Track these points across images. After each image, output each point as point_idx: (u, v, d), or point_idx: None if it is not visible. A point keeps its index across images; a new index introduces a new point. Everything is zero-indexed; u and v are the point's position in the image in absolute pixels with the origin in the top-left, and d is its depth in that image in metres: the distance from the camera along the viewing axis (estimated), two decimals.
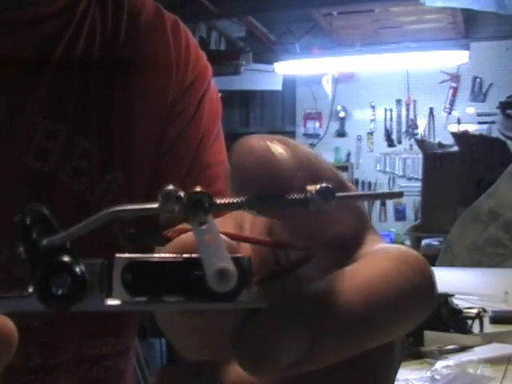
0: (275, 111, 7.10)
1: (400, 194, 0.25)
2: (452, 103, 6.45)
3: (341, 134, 6.86)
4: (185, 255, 0.24)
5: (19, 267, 0.62)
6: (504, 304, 2.06)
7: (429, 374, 1.41)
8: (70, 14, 0.68)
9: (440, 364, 1.45)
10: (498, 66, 6.14)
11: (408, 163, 6.64)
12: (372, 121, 6.77)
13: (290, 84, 6.58)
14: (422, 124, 6.60)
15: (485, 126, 6.20)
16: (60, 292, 0.23)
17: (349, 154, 6.84)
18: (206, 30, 5.57)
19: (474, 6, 4.54)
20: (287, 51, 6.04)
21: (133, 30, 0.70)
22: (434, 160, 4.56)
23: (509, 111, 5.81)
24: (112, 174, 0.66)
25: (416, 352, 1.54)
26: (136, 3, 0.72)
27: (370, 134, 6.80)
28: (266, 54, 6.07)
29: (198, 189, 0.23)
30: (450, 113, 6.47)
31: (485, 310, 1.86)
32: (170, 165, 0.70)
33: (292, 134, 7.01)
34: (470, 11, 5.07)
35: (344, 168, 6.82)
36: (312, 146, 6.89)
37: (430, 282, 0.25)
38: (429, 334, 1.61)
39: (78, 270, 0.23)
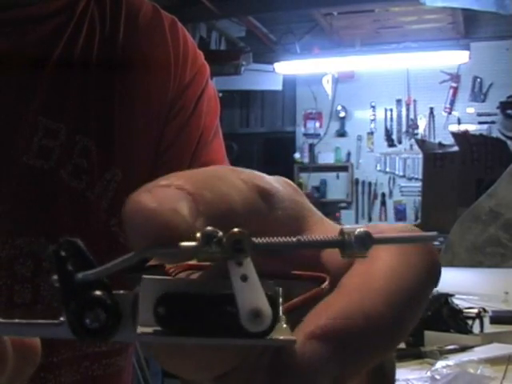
0: (275, 111, 7.11)
1: (434, 238, 0.25)
2: (452, 103, 6.45)
3: (341, 133, 6.86)
4: (220, 291, 0.24)
5: (21, 265, 0.62)
6: (504, 304, 2.06)
7: (429, 374, 1.41)
8: (69, 13, 0.68)
9: (440, 364, 1.45)
10: (497, 66, 6.14)
11: (408, 163, 6.65)
12: (372, 121, 6.77)
13: (290, 84, 6.59)
14: (422, 124, 6.60)
15: (485, 126, 6.20)
16: (94, 326, 0.23)
17: (349, 154, 6.84)
18: (206, 30, 5.57)
19: (473, 5, 4.54)
20: (287, 51, 6.05)
21: (131, 29, 0.71)
22: (434, 160, 4.56)
23: (509, 111, 5.82)
24: (112, 171, 0.67)
25: (416, 352, 1.54)
26: (134, 3, 0.73)
27: (370, 133, 6.81)
28: (266, 53, 6.08)
29: (237, 229, 0.23)
30: (450, 113, 6.47)
31: (485, 310, 1.87)
32: (170, 162, 0.70)
33: (292, 134, 7.02)
34: (470, 11, 5.07)
35: (344, 168, 6.83)
36: (312, 145, 6.90)
37: (433, 258, 0.26)
38: (429, 334, 1.61)
39: (112, 305, 0.23)
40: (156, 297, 0.24)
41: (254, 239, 0.23)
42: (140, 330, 0.23)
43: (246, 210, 0.25)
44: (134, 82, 0.69)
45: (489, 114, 6.21)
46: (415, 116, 6.63)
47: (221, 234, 0.23)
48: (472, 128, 6.19)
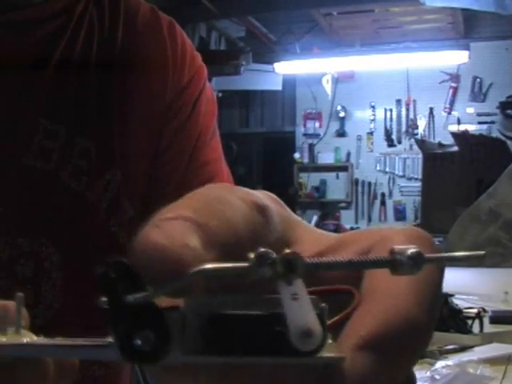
0: (275, 111, 7.11)
1: (482, 256, 0.25)
2: (452, 103, 6.45)
3: (341, 133, 6.87)
4: (267, 311, 0.24)
5: (21, 265, 0.62)
6: (504, 304, 2.06)
7: (429, 373, 1.41)
8: (68, 15, 0.68)
9: (440, 364, 1.45)
10: (498, 66, 6.14)
11: (408, 163, 6.65)
12: (372, 121, 6.77)
13: (290, 84, 6.59)
14: (421, 124, 6.60)
15: (485, 126, 6.20)
16: (144, 348, 0.23)
17: (349, 154, 6.84)
18: (206, 30, 5.57)
19: (473, 6, 4.55)
20: (287, 51, 6.05)
21: (130, 30, 0.71)
22: (434, 160, 4.57)
23: (509, 111, 5.82)
24: (111, 172, 0.67)
25: None
26: (131, 4, 0.73)
27: (370, 134, 6.81)
28: (266, 53, 6.08)
29: (289, 250, 0.23)
30: (449, 113, 6.47)
31: (485, 310, 1.87)
32: (168, 163, 0.71)
33: (292, 134, 7.02)
34: (469, 11, 5.07)
35: (344, 168, 6.83)
36: (312, 145, 6.90)
37: (438, 252, 0.26)
38: None
39: (162, 327, 0.23)
40: (202, 318, 0.24)
41: (305, 260, 0.23)
42: (187, 351, 0.24)
43: (249, 229, 0.26)
44: (133, 83, 0.70)
45: (488, 114, 6.22)
46: (415, 116, 6.63)
47: (274, 255, 0.23)
48: (472, 128, 6.19)
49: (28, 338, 0.25)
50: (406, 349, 0.24)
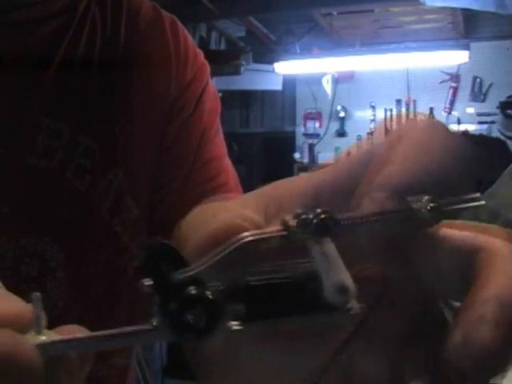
0: (275, 111, 7.10)
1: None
2: (452, 103, 6.45)
3: (341, 133, 6.86)
4: (298, 271, 0.25)
5: (26, 264, 0.62)
6: None
7: None
8: (71, 13, 0.68)
9: None
10: (498, 66, 6.14)
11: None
12: (372, 121, 6.77)
13: (290, 84, 6.58)
14: None
15: (485, 126, 6.20)
16: (197, 325, 0.23)
17: (349, 154, 6.83)
18: (206, 30, 5.57)
19: (473, 5, 4.54)
20: (287, 51, 6.05)
21: (132, 28, 0.71)
22: None
23: (509, 111, 5.81)
24: (114, 171, 0.67)
25: None
26: (134, 2, 0.73)
27: (370, 134, 6.80)
28: (266, 54, 6.07)
29: (321, 210, 0.24)
30: (449, 113, 6.47)
31: None
32: (173, 161, 0.71)
33: (292, 134, 7.01)
34: (469, 11, 5.06)
35: None
36: (312, 145, 6.89)
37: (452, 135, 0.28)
38: None
39: (212, 302, 0.23)
40: (241, 287, 0.24)
41: (338, 219, 0.24)
42: (232, 324, 0.24)
43: None
44: (136, 82, 0.70)
45: (488, 114, 6.21)
46: (415, 116, 6.62)
47: (311, 216, 0.24)
48: (472, 128, 6.18)
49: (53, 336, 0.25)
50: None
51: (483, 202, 0.26)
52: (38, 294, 0.26)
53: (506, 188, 3.12)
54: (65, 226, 0.64)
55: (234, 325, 0.24)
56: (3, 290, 0.29)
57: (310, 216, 0.24)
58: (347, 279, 0.23)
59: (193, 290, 0.23)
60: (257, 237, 0.24)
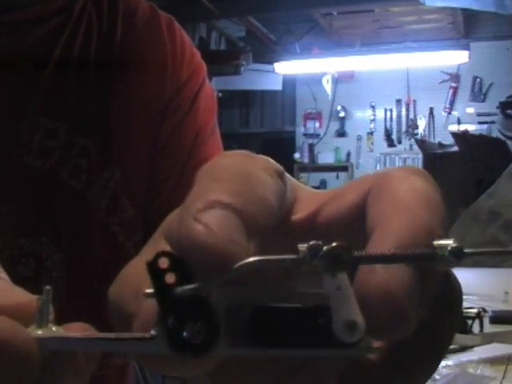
0: (275, 111, 7.10)
1: None
2: (452, 103, 6.45)
3: (341, 133, 6.86)
4: (310, 303, 0.24)
5: (23, 264, 0.62)
6: (504, 304, 2.06)
7: None
8: (67, 13, 0.68)
9: (440, 364, 1.45)
10: (497, 66, 6.14)
11: (408, 163, 6.64)
12: (372, 121, 6.77)
13: (290, 84, 6.59)
14: (422, 124, 6.60)
15: (485, 126, 6.20)
16: (194, 341, 0.23)
17: (349, 154, 6.84)
18: (206, 30, 5.57)
19: (473, 5, 4.54)
20: (287, 51, 6.05)
21: (128, 28, 0.71)
22: (434, 160, 4.56)
23: (509, 111, 5.81)
24: (110, 171, 0.67)
25: None
26: (130, 2, 0.73)
27: (370, 133, 6.81)
28: (266, 54, 6.08)
29: (337, 243, 0.23)
30: (449, 113, 6.47)
31: (485, 310, 1.86)
32: (167, 160, 0.71)
33: (292, 134, 7.01)
34: (469, 11, 5.07)
35: (344, 168, 6.82)
36: (312, 145, 6.90)
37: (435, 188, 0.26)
38: None
39: (212, 320, 0.23)
40: (246, 310, 0.24)
41: (352, 253, 0.23)
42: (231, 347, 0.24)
43: (279, 202, 0.26)
44: (132, 81, 0.70)
45: (488, 114, 6.21)
46: (415, 116, 6.62)
47: (324, 247, 0.23)
48: (472, 128, 6.19)
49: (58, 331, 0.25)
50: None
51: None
52: (49, 287, 0.26)
53: (506, 188, 3.12)
54: (61, 225, 0.64)
55: (233, 346, 0.24)
56: (8, 282, 0.28)
57: (322, 246, 0.23)
58: (358, 316, 0.23)
59: (194, 306, 0.23)
60: (264, 258, 0.23)
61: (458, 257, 0.24)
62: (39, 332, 0.25)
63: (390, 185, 0.25)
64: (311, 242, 0.23)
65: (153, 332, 0.23)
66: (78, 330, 0.25)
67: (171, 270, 0.23)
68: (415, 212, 0.24)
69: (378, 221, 0.25)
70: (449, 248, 0.24)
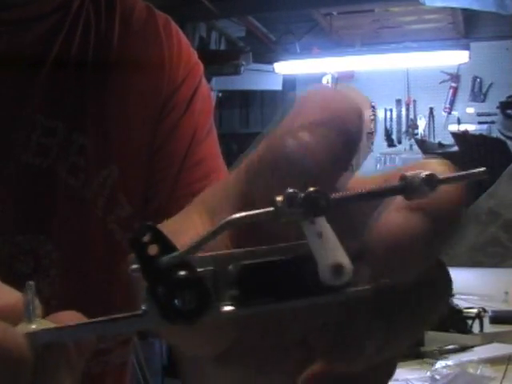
0: (275, 111, 7.10)
1: (484, 173, 0.25)
2: (452, 103, 6.44)
3: None
4: (296, 252, 0.24)
5: (21, 262, 0.62)
6: (504, 304, 2.06)
7: (429, 373, 1.41)
8: (64, 12, 0.68)
9: (440, 364, 1.45)
10: (497, 65, 6.13)
11: (408, 163, 6.64)
12: (372, 121, 6.76)
13: (290, 84, 6.58)
14: (422, 124, 6.60)
15: (485, 126, 6.19)
16: (187, 308, 0.23)
17: None
18: (206, 29, 5.57)
19: (473, 5, 4.54)
20: (287, 51, 6.04)
21: (126, 27, 0.71)
22: None
23: (509, 111, 5.81)
24: (108, 169, 0.67)
25: (416, 352, 1.54)
26: (128, 3, 0.73)
27: (370, 133, 6.80)
28: (266, 54, 6.07)
29: (314, 188, 0.23)
30: (450, 113, 6.46)
31: (485, 310, 1.87)
32: (163, 160, 0.71)
33: None
34: (469, 11, 5.06)
35: None
36: None
37: None
38: (429, 334, 1.61)
39: (202, 284, 0.23)
40: (233, 270, 0.24)
41: (329, 196, 0.23)
42: (225, 309, 0.23)
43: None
44: (129, 80, 0.70)
45: (489, 114, 6.21)
46: (415, 116, 6.62)
47: (301, 194, 0.23)
48: (472, 128, 6.18)
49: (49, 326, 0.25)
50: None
51: (483, 170, 0.25)
52: (32, 282, 0.26)
53: (506, 188, 3.12)
54: (59, 223, 0.64)
55: (226, 308, 0.23)
56: None
57: (299, 193, 0.23)
58: (344, 258, 0.23)
59: (181, 274, 0.23)
60: (244, 215, 0.23)
61: (431, 185, 0.24)
62: (32, 326, 0.24)
63: None
64: (287, 191, 0.23)
65: (143, 307, 0.23)
66: (68, 318, 0.25)
67: (153, 242, 0.23)
68: None
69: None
70: (421, 177, 0.24)
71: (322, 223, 0.23)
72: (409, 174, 0.24)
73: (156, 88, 0.71)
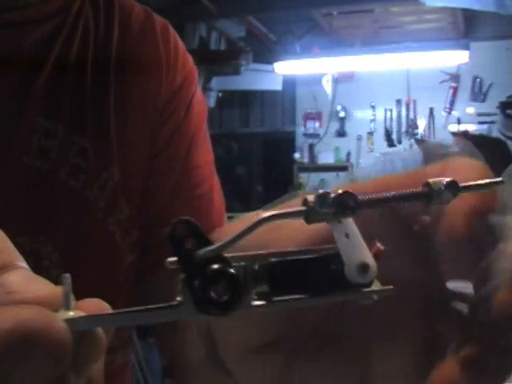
0: (275, 111, 7.10)
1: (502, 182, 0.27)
2: (452, 103, 6.45)
3: (341, 133, 6.86)
4: (324, 252, 0.26)
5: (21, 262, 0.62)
6: None
7: None
8: (64, 14, 0.69)
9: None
10: (498, 66, 6.14)
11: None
12: (372, 121, 6.77)
13: (290, 84, 6.58)
14: (421, 124, 6.60)
15: (485, 126, 6.20)
16: (221, 299, 0.24)
17: (349, 154, 6.84)
18: (206, 30, 5.57)
19: (474, 5, 4.54)
20: (287, 51, 6.04)
21: (124, 31, 0.72)
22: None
23: (509, 111, 5.81)
24: (108, 171, 0.67)
25: None
26: (125, 6, 0.74)
27: (370, 133, 6.81)
28: (266, 54, 6.07)
29: (343, 190, 0.24)
30: (449, 113, 6.47)
31: None
32: (164, 164, 0.71)
33: (292, 134, 7.01)
34: (470, 11, 5.07)
35: (344, 168, 6.82)
36: (312, 145, 6.90)
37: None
38: None
39: (236, 277, 0.24)
40: (264, 266, 0.25)
41: (358, 198, 0.25)
42: (256, 303, 0.25)
43: None
44: (128, 83, 0.70)
45: (489, 114, 6.21)
46: (415, 116, 6.62)
47: (332, 195, 0.24)
48: (472, 128, 6.19)
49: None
50: None
51: (501, 179, 0.27)
52: (68, 274, 0.26)
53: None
54: (60, 225, 0.64)
55: (257, 302, 0.25)
56: (29, 272, 0.29)
57: (330, 194, 0.24)
58: (369, 258, 0.24)
59: (216, 267, 0.24)
60: (276, 213, 0.24)
61: (454, 192, 0.25)
62: (71, 313, 0.25)
63: None
64: (319, 191, 0.24)
65: (179, 298, 0.24)
66: (93, 306, 0.26)
67: (190, 236, 0.24)
68: None
69: None
70: (444, 184, 0.25)
71: (350, 224, 0.24)
72: (432, 180, 0.25)
73: (155, 91, 0.71)
